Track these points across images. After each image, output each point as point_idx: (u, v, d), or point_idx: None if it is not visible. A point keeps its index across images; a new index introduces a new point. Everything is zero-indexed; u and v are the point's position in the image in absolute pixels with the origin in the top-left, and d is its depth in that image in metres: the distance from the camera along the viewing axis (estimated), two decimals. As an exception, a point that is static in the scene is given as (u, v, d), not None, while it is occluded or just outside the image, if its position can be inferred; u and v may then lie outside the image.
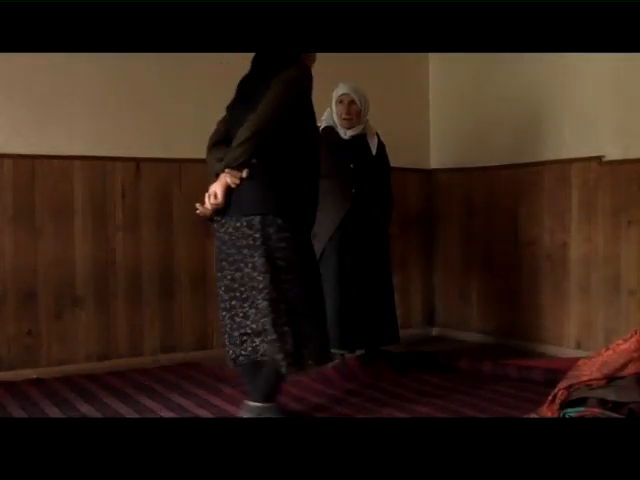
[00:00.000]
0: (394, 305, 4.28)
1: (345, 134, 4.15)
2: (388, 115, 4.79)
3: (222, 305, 3.11)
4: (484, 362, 4.11)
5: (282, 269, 2.98)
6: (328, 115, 4.20)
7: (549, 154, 4.65)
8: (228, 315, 3.08)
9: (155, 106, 4.52)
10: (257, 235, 2.97)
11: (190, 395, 3.68)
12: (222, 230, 3.10)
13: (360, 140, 4.20)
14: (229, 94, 4.73)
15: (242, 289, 3.03)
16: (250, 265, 2.99)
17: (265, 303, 2.96)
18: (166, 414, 3.34)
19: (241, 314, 3.04)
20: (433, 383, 3.86)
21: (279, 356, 2.96)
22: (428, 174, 5.45)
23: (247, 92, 3.12)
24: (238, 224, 3.03)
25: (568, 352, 4.41)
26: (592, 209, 4.40)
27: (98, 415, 3.35)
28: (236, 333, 3.06)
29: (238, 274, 3.03)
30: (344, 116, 4.13)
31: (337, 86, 4.21)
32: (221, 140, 3.21)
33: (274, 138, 3.00)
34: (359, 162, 4.11)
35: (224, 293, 3.09)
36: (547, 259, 4.69)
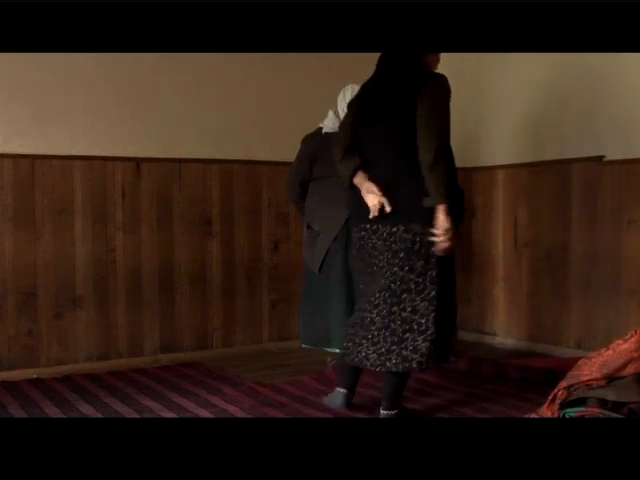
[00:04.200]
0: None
1: None
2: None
3: (359, 306, 3.28)
4: (484, 362, 4.11)
5: (434, 272, 3.09)
6: (333, 120, 4.06)
7: (549, 154, 4.65)
8: (361, 315, 3.23)
9: (155, 106, 4.53)
10: (416, 239, 3.06)
11: (190, 395, 3.68)
12: (375, 236, 3.17)
13: None
14: (229, 94, 4.77)
15: (394, 292, 3.12)
16: (407, 268, 3.09)
17: (424, 304, 3.08)
18: (166, 414, 3.34)
19: (385, 315, 3.13)
20: (433, 383, 3.86)
21: (424, 353, 3.08)
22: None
23: (382, 98, 3.16)
24: (394, 229, 3.09)
25: (568, 352, 4.41)
26: (592, 209, 4.40)
27: (98, 415, 3.35)
28: (369, 334, 3.17)
29: (390, 278, 3.12)
30: None
31: (351, 89, 4.06)
32: (352, 145, 3.22)
33: None
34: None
35: (361, 296, 3.28)
36: (547, 259, 4.69)
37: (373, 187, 3.11)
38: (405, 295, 3.10)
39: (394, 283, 3.11)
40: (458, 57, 5.07)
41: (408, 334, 3.09)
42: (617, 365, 2.67)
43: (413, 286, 3.09)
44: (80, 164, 4.30)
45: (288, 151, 4.31)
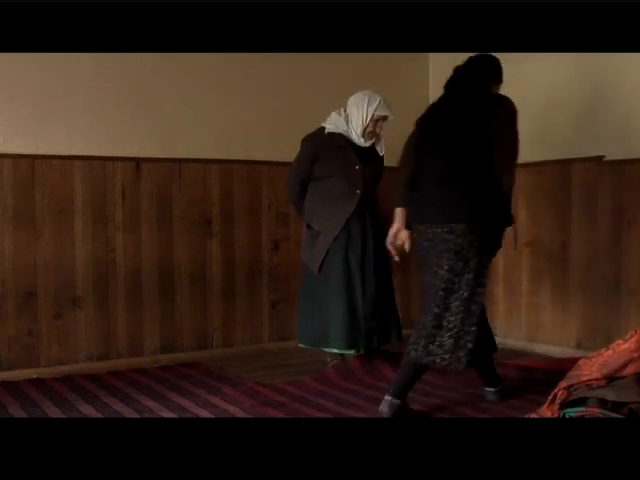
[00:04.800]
0: (396, 304, 4.29)
1: (364, 143, 4.10)
2: (388, 115, 4.80)
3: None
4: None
5: (474, 273, 3.20)
6: (338, 121, 4.09)
7: (549, 154, 4.65)
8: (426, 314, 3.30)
9: (155, 106, 4.53)
10: (458, 241, 3.17)
11: (190, 395, 3.68)
12: (421, 238, 3.32)
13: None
14: (229, 94, 4.76)
15: (437, 290, 3.22)
16: (446, 267, 3.20)
17: (457, 303, 3.19)
18: (166, 414, 3.34)
19: (431, 314, 3.23)
20: (433, 383, 3.86)
21: (462, 353, 3.18)
22: (428, 174, 5.45)
23: (449, 121, 3.32)
24: (438, 230, 3.21)
25: (568, 352, 4.41)
26: (592, 209, 4.40)
27: (98, 415, 3.35)
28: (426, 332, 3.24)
29: (437, 276, 3.23)
30: (374, 133, 4.09)
31: (367, 95, 4.06)
32: (415, 170, 3.40)
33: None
34: (364, 163, 4.10)
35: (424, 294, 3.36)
36: (547, 259, 4.69)
37: (405, 235, 3.39)
38: (441, 293, 3.21)
39: (437, 281, 3.23)
40: (458, 57, 5.08)
41: (436, 330, 3.20)
42: (617, 365, 2.67)
43: (450, 285, 3.20)
44: (80, 164, 4.30)
45: (288, 151, 4.31)
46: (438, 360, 3.19)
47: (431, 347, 3.20)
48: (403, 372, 3.28)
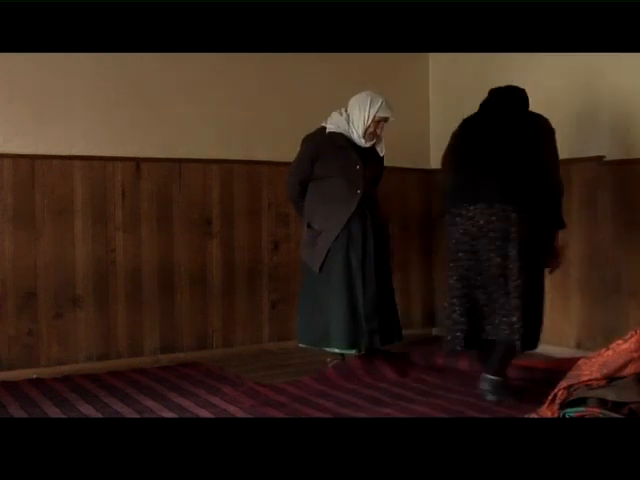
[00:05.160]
0: (396, 304, 4.29)
1: (364, 143, 4.11)
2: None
3: (453, 293, 3.49)
4: (484, 362, 4.10)
5: (527, 259, 3.37)
6: (339, 121, 4.09)
7: (549, 154, 4.64)
8: (459, 302, 3.47)
9: (155, 106, 4.53)
10: (513, 229, 3.34)
11: (190, 395, 3.68)
12: (469, 223, 3.43)
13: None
14: (229, 94, 4.76)
15: (486, 277, 3.41)
16: (501, 254, 3.36)
17: (517, 290, 3.37)
18: (166, 414, 3.34)
19: (482, 299, 3.44)
20: (433, 383, 3.86)
21: (516, 336, 3.38)
22: (428, 174, 5.45)
23: (499, 135, 3.51)
24: (493, 218, 3.36)
25: (568, 352, 4.41)
26: (592, 209, 4.40)
27: (98, 415, 3.35)
28: (467, 318, 3.46)
29: (486, 263, 3.40)
30: (375, 134, 4.10)
31: (370, 96, 4.06)
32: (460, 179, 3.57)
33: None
34: (365, 164, 4.10)
35: (457, 282, 3.47)
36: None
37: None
38: (500, 279, 3.39)
39: (491, 267, 3.40)
40: (459, 57, 5.09)
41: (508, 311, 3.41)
42: (617, 365, 2.67)
43: (504, 271, 3.37)
44: (80, 164, 4.30)
45: (288, 151, 4.32)
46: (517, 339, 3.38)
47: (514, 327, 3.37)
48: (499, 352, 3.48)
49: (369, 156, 4.14)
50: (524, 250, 3.35)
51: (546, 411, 2.76)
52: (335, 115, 4.12)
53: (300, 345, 4.25)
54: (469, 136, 3.61)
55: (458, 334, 3.48)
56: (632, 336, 2.70)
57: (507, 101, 3.61)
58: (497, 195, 3.37)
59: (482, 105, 3.66)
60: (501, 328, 3.43)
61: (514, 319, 3.38)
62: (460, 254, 3.47)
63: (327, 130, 4.09)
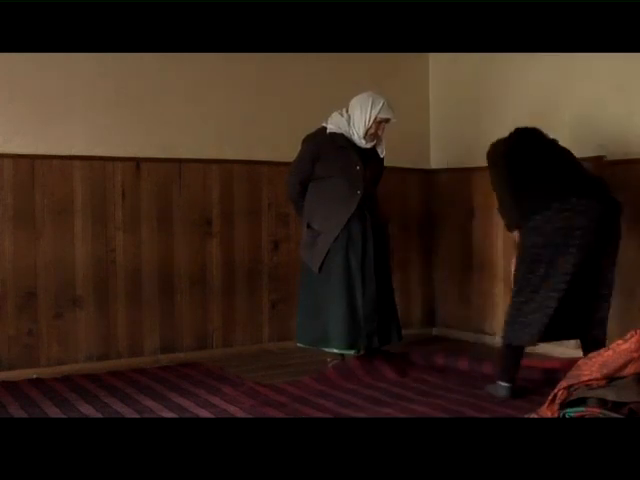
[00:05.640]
0: (396, 304, 4.29)
1: (365, 144, 4.11)
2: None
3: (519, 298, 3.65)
4: (484, 362, 4.11)
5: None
6: (340, 122, 4.09)
7: (549, 154, 4.64)
8: (526, 302, 3.60)
9: (155, 106, 4.52)
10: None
11: (190, 395, 3.68)
12: (549, 225, 3.53)
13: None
14: (229, 94, 4.76)
15: (544, 279, 3.52)
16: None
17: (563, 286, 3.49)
18: (166, 414, 3.34)
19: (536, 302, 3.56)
20: (433, 383, 3.86)
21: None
22: (428, 174, 5.46)
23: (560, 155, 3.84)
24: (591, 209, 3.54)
25: (568, 352, 4.40)
26: (592, 209, 4.39)
27: (98, 415, 3.35)
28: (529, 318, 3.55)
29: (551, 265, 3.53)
30: (375, 135, 4.10)
31: (371, 97, 4.05)
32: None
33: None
34: (365, 164, 4.10)
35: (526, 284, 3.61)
36: (547, 259, 4.67)
37: None
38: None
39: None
40: (459, 57, 5.08)
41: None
42: (617, 365, 2.67)
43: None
44: (80, 164, 4.30)
45: (288, 151, 4.32)
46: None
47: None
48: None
49: (369, 157, 4.14)
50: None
51: (546, 411, 2.76)
52: (336, 115, 4.12)
53: (299, 345, 4.25)
54: (534, 142, 3.83)
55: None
56: (632, 336, 2.70)
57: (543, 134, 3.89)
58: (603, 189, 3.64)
59: (518, 133, 3.88)
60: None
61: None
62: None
63: (328, 130, 4.09)
